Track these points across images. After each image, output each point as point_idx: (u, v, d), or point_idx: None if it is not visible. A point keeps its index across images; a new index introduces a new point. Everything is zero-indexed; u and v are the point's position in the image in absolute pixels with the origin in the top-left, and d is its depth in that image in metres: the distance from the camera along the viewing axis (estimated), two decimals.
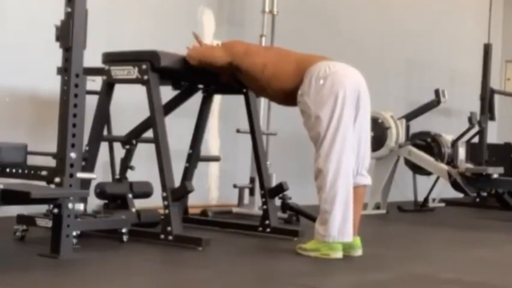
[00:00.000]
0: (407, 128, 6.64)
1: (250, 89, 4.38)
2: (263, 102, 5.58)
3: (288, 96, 3.98)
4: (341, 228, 3.71)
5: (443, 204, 7.26)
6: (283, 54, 4.07)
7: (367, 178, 3.96)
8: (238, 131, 5.33)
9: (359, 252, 3.83)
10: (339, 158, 3.73)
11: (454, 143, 6.67)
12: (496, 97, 7.96)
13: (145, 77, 3.97)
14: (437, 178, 6.80)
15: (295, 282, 3.13)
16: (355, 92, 3.83)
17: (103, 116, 4.25)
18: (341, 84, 3.79)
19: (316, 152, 3.81)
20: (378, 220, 6.02)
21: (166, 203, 3.87)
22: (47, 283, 2.92)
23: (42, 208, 3.81)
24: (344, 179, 3.74)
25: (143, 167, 4.52)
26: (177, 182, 4.05)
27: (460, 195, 7.17)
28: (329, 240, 3.71)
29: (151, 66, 3.97)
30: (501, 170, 6.58)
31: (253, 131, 4.60)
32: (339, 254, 3.73)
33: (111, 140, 4.56)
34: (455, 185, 6.43)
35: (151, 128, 4.07)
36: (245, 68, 4.05)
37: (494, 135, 8.95)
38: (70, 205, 3.32)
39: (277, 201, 4.82)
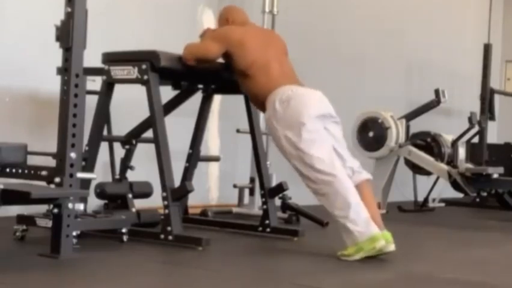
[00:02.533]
0: (407, 128, 6.64)
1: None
2: None
3: (255, 98, 4.14)
4: (363, 223, 3.69)
5: (443, 204, 7.25)
6: (270, 61, 4.10)
7: (364, 173, 3.97)
8: (238, 131, 5.33)
9: (391, 247, 3.76)
10: (330, 165, 3.77)
11: (454, 143, 6.66)
12: (496, 97, 7.95)
13: (145, 77, 3.97)
14: (437, 178, 6.79)
15: (295, 282, 3.13)
16: (321, 110, 3.92)
17: (103, 116, 4.25)
18: (305, 104, 3.89)
19: (303, 172, 3.84)
20: None
21: (166, 203, 3.87)
22: (47, 283, 2.92)
23: (42, 208, 3.82)
24: (343, 181, 3.75)
25: (143, 167, 4.52)
26: (177, 182, 4.06)
27: (460, 195, 7.17)
28: (363, 238, 3.69)
29: (150, 66, 3.97)
30: (501, 170, 6.58)
31: (253, 131, 4.60)
32: (383, 242, 3.68)
33: (111, 140, 4.56)
34: (455, 185, 6.43)
35: (151, 128, 4.07)
36: (234, 57, 4.10)
37: (494, 135, 8.95)
38: (70, 205, 3.32)
39: (277, 201, 4.83)
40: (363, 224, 3.69)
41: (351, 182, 3.79)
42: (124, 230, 3.84)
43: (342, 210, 3.71)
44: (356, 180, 3.88)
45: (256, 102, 4.18)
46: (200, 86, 4.61)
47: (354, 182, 3.85)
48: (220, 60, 4.24)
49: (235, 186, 5.65)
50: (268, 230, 4.47)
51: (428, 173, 6.72)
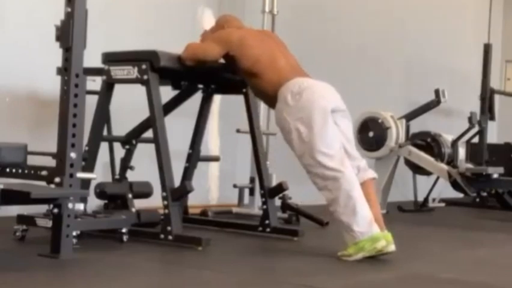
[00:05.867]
0: (407, 128, 6.64)
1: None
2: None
3: (264, 94, 4.10)
4: (365, 223, 3.69)
5: (443, 204, 7.26)
6: (275, 56, 4.09)
7: (370, 172, 3.96)
8: (238, 131, 5.32)
9: (392, 247, 3.75)
10: (339, 162, 3.76)
11: (454, 143, 6.67)
12: (496, 97, 7.95)
13: (145, 77, 3.97)
14: (437, 178, 6.79)
15: (295, 282, 3.13)
16: (332, 103, 3.91)
17: (103, 116, 4.25)
18: (318, 96, 3.87)
19: (311, 168, 3.81)
20: None
21: (166, 202, 3.88)
22: (47, 283, 2.92)
23: (42, 208, 3.82)
24: (350, 179, 3.75)
25: (143, 167, 4.52)
26: (177, 182, 4.06)
27: (460, 195, 7.17)
28: (364, 238, 3.68)
29: (150, 66, 3.97)
30: (501, 170, 6.58)
31: (253, 131, 4.60)
32: (383, 242, 3.68)
33: (111, 140, 4.56)
34: (455, 185, 6.43)
35: (151, 128, 4.07)
36: (238, 58, 4.09)
37: (494, 135, 8.95)
38: (70, 205, 3.32)
39: (278, 201, 4.82)
40: (366, 224, 3.69)
41: (357, 181, 3.79)
42: (124, 230, 3.84)
43: (346, 207, 3.71)
44: (362, 178, 3.87)
45: (265, 98, 4.15)
46: (200, 86, 4.61)
47: (360, 180, 3.84)
48: (221, 60, 4.24)
49: (235, 186, 5.65)
50: (268, 230, 4.47)
51: (428, 173, 6.72)
